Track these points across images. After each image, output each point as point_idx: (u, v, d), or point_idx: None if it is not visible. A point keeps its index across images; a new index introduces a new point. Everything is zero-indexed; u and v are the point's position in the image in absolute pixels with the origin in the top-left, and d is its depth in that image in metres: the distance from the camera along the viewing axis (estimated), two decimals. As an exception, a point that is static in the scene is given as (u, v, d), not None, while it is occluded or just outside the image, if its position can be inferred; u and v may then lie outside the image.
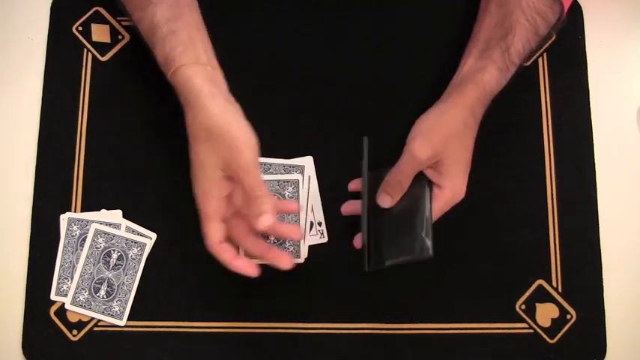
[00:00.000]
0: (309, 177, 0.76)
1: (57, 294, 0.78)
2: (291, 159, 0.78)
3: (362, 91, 0.84)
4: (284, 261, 0.70)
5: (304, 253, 0.76)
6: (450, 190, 0.73)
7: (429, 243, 0.71)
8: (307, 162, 0.77)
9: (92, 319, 0.78)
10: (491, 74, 0.75)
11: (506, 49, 0.76)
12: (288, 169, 0.73)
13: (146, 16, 0.73)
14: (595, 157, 0.83)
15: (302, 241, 0.75)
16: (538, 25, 0.77)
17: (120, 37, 0.85)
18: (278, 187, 0.73)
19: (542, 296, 0.80)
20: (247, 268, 0.70)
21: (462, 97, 0.74)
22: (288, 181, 0.73)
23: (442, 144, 0.72)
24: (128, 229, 0.80)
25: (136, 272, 0.79)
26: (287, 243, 0.72)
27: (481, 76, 0.75)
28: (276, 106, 0.83)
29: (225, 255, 0.70)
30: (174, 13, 0.73)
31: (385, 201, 0.73)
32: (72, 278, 0.79)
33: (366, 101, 0.84)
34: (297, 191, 0.74)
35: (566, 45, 0.86)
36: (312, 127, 0.82)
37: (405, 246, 0.72)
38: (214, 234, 0.70)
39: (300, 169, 0.77)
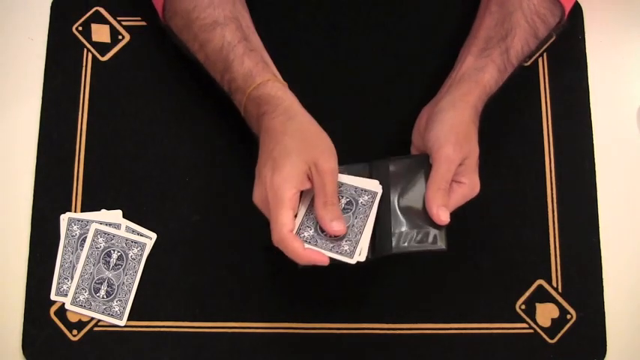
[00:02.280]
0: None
1: (57, 294, 0.78)
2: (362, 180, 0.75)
3: (361, 86, 0.85)
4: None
5: (364, 249, 0.72)
6: (468, 186, 0.73)
7: (442, 235, 0.71)
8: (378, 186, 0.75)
9: (92, 319, 0.78)
10: (491, 74, 0.76)
11: (505, 50, 0.76)
12: (359, 192, 0.74)
13: (215, 37, 0.75)
14: (595, 157, 0.83)
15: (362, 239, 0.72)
16: (537, 28, 0.77)
17: (120, 37, 0.85)
18: (354, 192, 0.74)
19: (542, 296, 0.79)
20: (318, 256, 0.69)
21: (467, 96, 0.75)
22: (365, 190, 0.74)
23: (467, 144, 0.72)
24: (128, 229, 0.80)
25: (136, 272, 0.79)
26: (344, 241, 0.72)
27: (482, 76, 0.75)
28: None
29: (296, 243, 0.68)
30: (243, 35, 0.76)
31: (446, 215, 0.71)
32: (72, 278, 0.79)
33: (366, 96, 0.84)
34: (373, 201, 0.74)
35: (566, 45, 0.86)
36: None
37: (417, 236, 0.72)
38: (289, 221, 0.68)
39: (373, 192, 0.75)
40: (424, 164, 0.73)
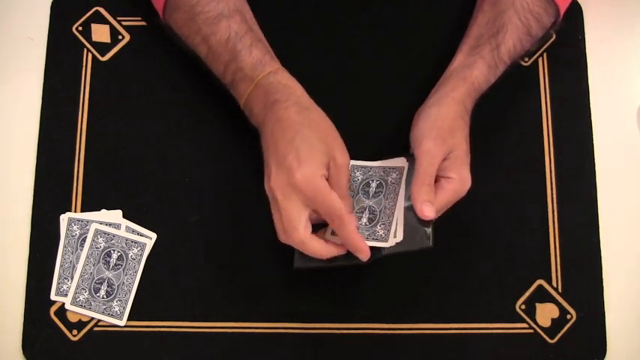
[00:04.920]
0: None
1: (57, 294, 0.78)
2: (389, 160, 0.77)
3: (360, 87, 0.85)
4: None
5: (400, 231, 0.73)
6: (457, 182, 0.73)
7: (429, 232, 0.71)
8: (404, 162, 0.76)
9: (92, 319, 0.78)
10: (480, 71, 0.76)
11: (496, 46, 0.76)
12: (387, 171, 0.75)
13: (220, 29, 0.75)
14: (595, 157, 0.83)
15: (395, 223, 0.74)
16: (531, 26, 0.77)
17: (120, 37, 0.85)
18: (383, 173, 0.74)
19: (542, 296, 0.79)
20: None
21: (453, 92, 0.75)
22: (393, 168, 0.75)
23: (451, 137, 0.72)
24: (128, 229, 0.80)
25: (136, 272, 0.79)
26: (378, 226, 0.73)
27: (470, 72, 0.76)
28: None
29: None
30: (249, 26, 0.76)
31: (430, 211, 0.71)
32: (72, 278, 0.79)
33: (365, 96, 0.84)
34: (401, 178, 0.74)
35: (566, 45, 0.86)
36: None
37: (405, 236, 0.72)
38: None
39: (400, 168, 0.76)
40: (412, 165, 0.73)
